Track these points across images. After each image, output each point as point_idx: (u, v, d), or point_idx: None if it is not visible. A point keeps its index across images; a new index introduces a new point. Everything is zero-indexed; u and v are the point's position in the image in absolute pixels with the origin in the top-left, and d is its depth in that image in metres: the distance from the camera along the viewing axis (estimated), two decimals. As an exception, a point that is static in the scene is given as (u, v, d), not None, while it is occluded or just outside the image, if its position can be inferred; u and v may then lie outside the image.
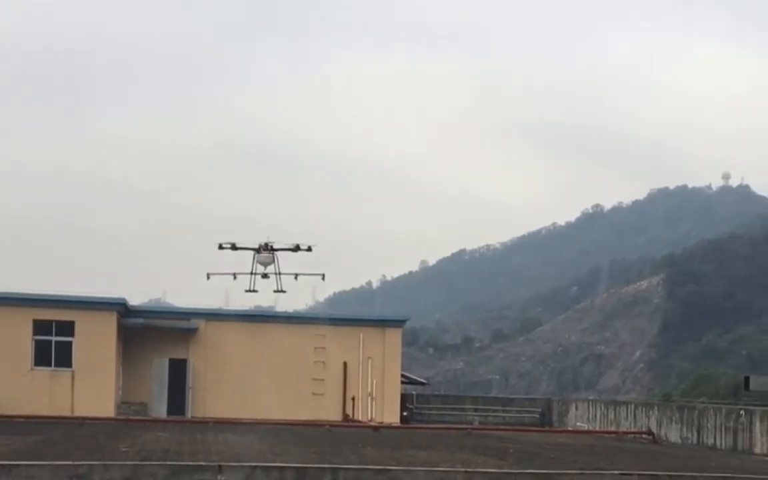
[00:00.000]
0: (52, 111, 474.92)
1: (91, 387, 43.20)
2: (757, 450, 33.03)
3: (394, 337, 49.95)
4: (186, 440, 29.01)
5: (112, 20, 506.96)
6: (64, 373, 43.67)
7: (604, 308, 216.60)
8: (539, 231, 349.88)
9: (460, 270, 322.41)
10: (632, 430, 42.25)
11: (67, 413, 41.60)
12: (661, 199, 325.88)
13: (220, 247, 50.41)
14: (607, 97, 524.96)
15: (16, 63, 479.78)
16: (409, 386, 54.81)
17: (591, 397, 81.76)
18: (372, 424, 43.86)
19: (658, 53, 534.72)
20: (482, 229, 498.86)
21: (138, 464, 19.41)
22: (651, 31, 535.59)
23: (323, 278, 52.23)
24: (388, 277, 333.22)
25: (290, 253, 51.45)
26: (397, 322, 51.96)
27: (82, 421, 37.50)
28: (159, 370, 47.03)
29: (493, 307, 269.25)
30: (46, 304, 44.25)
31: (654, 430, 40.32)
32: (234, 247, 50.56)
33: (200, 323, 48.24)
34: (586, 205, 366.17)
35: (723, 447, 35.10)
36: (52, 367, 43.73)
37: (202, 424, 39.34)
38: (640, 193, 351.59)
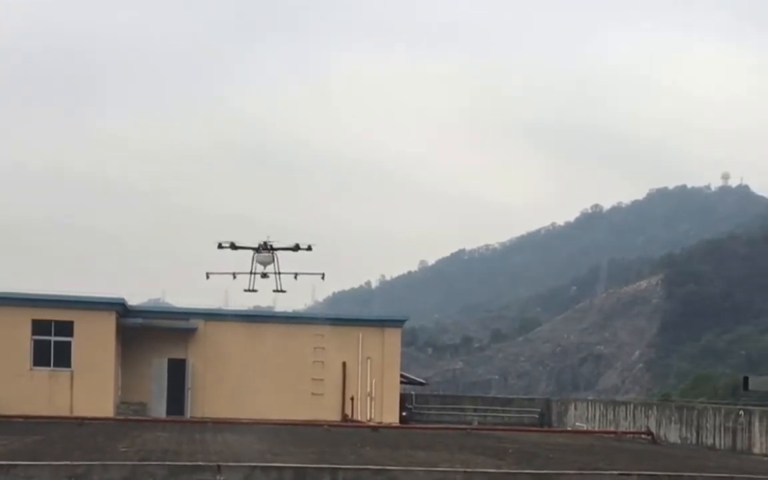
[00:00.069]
0: (52, 111, 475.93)
1: (90, 387, 43.19)
2: (756, 450, 33.03)
3: (393, 337, 49.94)
4: (185, 440, 29.00)
5: (112, 20, 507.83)
6: (63, 373, 43.66)
7: (603, 308, 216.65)
8: (538, 231, 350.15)
9: (459, 270, 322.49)
10: (631, 430, 42.25)
11: (66, 413, 41.58)
12: (660, 199, 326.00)
13: (220, 246, 50.35)
14: (607, 97, 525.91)
15: (16, 63, 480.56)
16: (408, 386, 54.79)
17: (590, 397, 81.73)
18: (371, 424, 43.86)
19: (658, 53, 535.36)
20: (481, 229, 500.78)
21: (137, 464, 19.40)
22: (651, 31, 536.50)
23: (323, 277, 52.18)
24: (387, 277, 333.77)
25: (290, 253, 51.38)
26: (396, 322, 51.95)
27: (81, 421, 37.47)
28: (158, 370, 47.01)
29: (492, 307, 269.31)
30: (45, 304, 44.23)
31: (653, 430, 40.33)
32: (233, 247, 50.49)
33: (199, 323, 48.23)
34: (586, 205, 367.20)
35: (722, 447, 35.10)
36: (51, 367, 43.71)
37: (201, 424, 39.33)
38: (640, 193, 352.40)
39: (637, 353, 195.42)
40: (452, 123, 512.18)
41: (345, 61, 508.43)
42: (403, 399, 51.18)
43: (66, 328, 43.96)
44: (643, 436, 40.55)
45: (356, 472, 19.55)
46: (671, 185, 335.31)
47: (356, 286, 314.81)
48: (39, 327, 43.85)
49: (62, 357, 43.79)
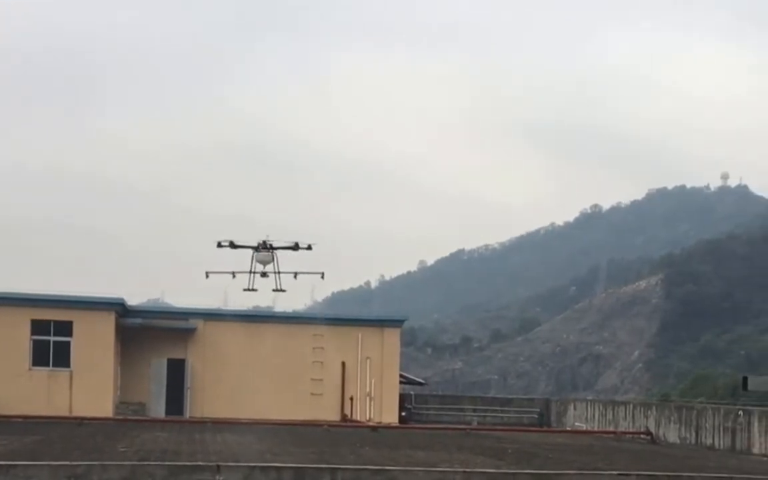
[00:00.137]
0: (52, 111, 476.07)
1: (90, 387, 43.17)
2: (756, 450, 33.04)
3: (392, 337, 49.93)
4: (184, 440, 28.99)
5: (112, 20, 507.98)
6: (62, 373, 43.64)
7: (602, 308, 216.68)
8: (538, 231, 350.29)
9: (458, 270, 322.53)
10: (630, 430, 42.25)
11: (65, 413, 41.57)
12: (659, 199, 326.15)
13: (219, 245, 50.26)
14: (607, 97, 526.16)
15: (16, 63, 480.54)
16: (407, 386, 54.79)
17: (589, 397, 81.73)
18: (370, 424, 43.85)
19: (658, 53, 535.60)
20: (481, 229, 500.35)
21: (136, 464, 19.39)
22: (651, 31, 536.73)
23: (322, 277, 52.08)
24: (387, 277, 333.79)
25: (290, 252, 51.31)
26: (395, 322, 51.94)
27: (81, 421, 37.46)
28: (157, 370, 46.99)
29: (491, 307, 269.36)
30: (45, 303, 44.20)
31: (652, 430, 40.33)
32: (232, 246, 50.41)
33: (198, 323, 48.21)
34: (585, 205, 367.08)
35: (721, 447, 35.11)
36: (50, 367, 43.69)
37: (201, 424, 39.32)
38: (639, 194, 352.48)
39: (636, 353, 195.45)
40: (452, 123, 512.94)
41: (345, 61, 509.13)
42: (403, 399, 51.17)
43: (65, 328, 43.94)
44: (642, 436, 40.56)
45: (355, 472, 19.55)
46: (670, 185, 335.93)
47: (355, 286, 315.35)
48: (38, 327, 43.82)
49: (61, 357, 43.77)
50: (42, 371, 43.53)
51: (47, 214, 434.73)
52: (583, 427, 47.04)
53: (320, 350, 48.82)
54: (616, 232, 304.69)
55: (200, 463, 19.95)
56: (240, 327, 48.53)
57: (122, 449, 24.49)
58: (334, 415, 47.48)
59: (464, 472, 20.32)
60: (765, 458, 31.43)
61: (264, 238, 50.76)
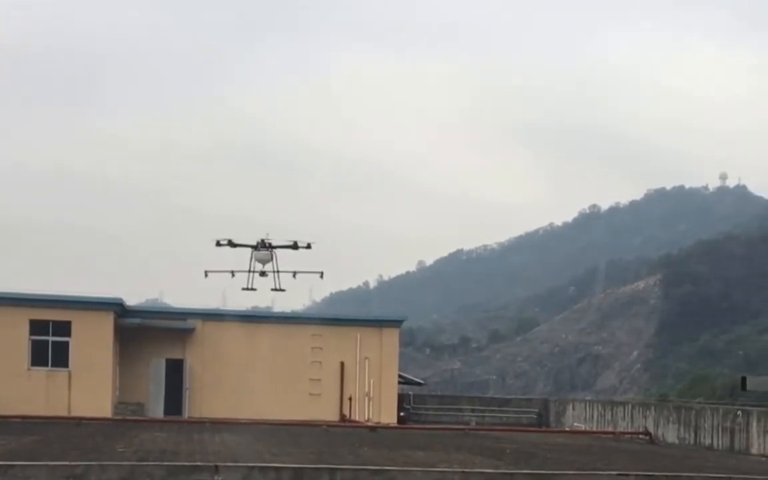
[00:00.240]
0: (52, 111, 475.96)
1: (88, 387, 43.16)
2: (754, 450, 33.04)
3: (391, 338, 49.93)
4: (183, 440, 28.99)
5: (112, 20, 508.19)
6: (61, 373, 43.62)
7: (601, 308, 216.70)
8: (536, 231, 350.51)
9: (457, 270, 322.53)
10: (629, 430, 42.25)
11: (63, 413, 41.55)
12: (657, 199, 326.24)
13: (218, 243, 50.23)
14: (607, 97, 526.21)
15: (16, 63, 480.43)
16: (405, 386, 54.79)
17: (588, 398, 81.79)
18: (369, 424, 43.84)
19: (658, 53, 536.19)
20: (479, 229, 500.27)
21: (135, 464, 19.39)
22: (651, 31, 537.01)
23: (321, 276, 52.15)
24: (385, 277, 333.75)
25: (289, 252, 51.30)
26: (394, 323, 51.92)
27: (79, 422, 37.43)
28: (156, 370, 46.98)
29: (490, 307, 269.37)
30: (43, 304, 44.18)
31: (651, 430, 40.34)
32: (231, 244, 50.38)
33: (197, 323, 48.20)
34: (583, 205, 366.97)
35: (720, 447, 35.11)
36: (49, 367, 43.66)
37: (199, 424, 39.31)
38: (637, 194, 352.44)
39: (635, 353, 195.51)
40: (452, 123, 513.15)
41: (345, 61, 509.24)
42: (401, 399, 51.18)
43: (64, 328, 43.93)
44: (640, 436, 40.56)
45: (354, 472, 19.55)
46: (669, 185, 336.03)
47: (354, 286, 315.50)
48: (37, 327, 43.80)
49: (60, 357, 43.75)
50: (41, 371, 43.51)
51: (47, 214, 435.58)
52: (582, 427, 47.05)
53: (319, 350, 48.82)
54: (615, 232, 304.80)
55: (199, 463, 19.94)
56: (239, 327, 48.51)
57: (121, 449, 24.49)
58: (332, 416, 47.47)
59: (463, 472, 20.32)
60: (763, 458, 31.44)
61: (263, 237, 50.76)
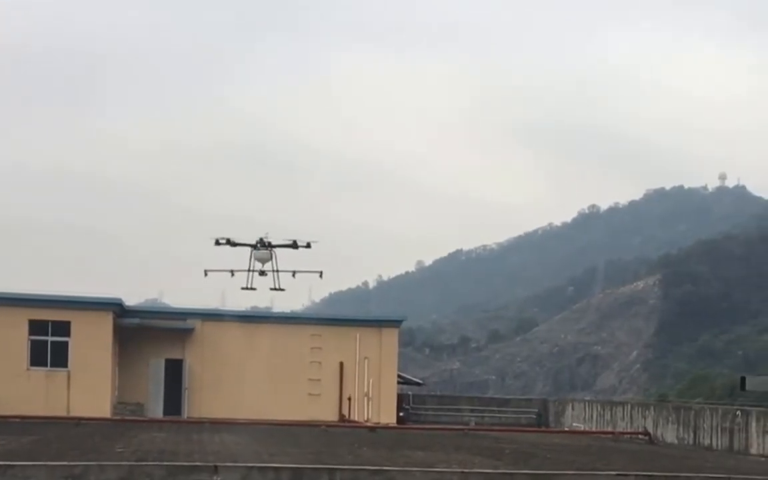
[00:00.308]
0: (52, 111, 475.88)
1: (87, 387, 43.15)
2: (753, 450, 33.04)
3: (390, 338, 49.93)
4: (182, 440, 28.99)
5: (111, 20, 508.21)
6: (60, 374, 43.61)
7: (600, 308, 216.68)
8: (536, 231, 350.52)
9: (456, 270, 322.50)
10: (628, 430, 42.25)
11: (62, 413, 41.54)
12: (657, 199, 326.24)
13: (217, 242, 50.17)
14: (607, 97, 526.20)
15: (16, 63, 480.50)
16: (405, 387, 54.78)
17: (587, 398, 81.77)
18: (368, 424, 43.84)
19: (658, 53, 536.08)
20: (479, 229, 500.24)
21: (134, 465, 19.39)
22: (651, 31, 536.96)
23: (321, 276, 52.09)
24: (385, 278, 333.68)
25: (288, 251, 51.25)
26: (393, 323, 51.90)
27: (78, 422, 37.44)
28: (155, 370, 46.96)
29: (489, 307, 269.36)
30: (42, 304, 44.19)
31: (650, 430, 40.34)
32: (230, 243, 50.32)
33: (196, 323, 48.19)
34: (583, 205, 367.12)
35: (719, 447, 35.11)
36: (48, 368, 43.66)
37: (199, 424, 39.31)
38: (637, 194, 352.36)
39: (634, 353, 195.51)
40: (452, 123, 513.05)
41: (345, 61, 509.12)
42: (401, 399, 51.17)
43: (63, 328, 43.92)
44: (640, 436, 40.56)
45: (354, 472, 19.55)
46: (668, 186, 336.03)
47: (353, 286, 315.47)
48: (36, 327, 43.80)
49: (59, 357, 43.74)
50: (40, 371, 43.50)
51: (47, 214, 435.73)
52: (581, 427, 47.05)
53: (318, 350, 48.81)
54: (614, 232, 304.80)
55: (198, 463, 19.94)
56: (238, 327, 48.51)
57: (120, 449, 24.48)
58: (332, 416, 47.47)
59: (462, 472, 20.32)
60: (763, 458, 31.45)
61: (262, 236, 50.70)
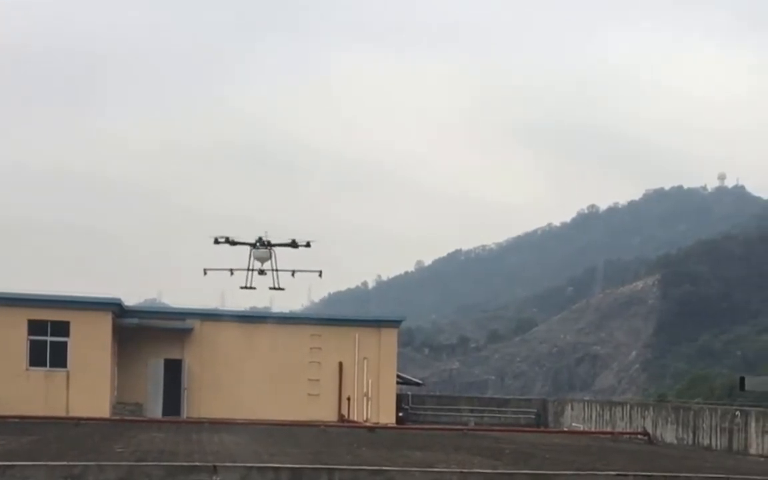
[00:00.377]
0: (52, 111, 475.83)
1: (87, 387, 43.14)
2: (753, 450, 33.05)
3: (389, 338, 49.93)
4: (181, 440, 28.99)
5: (111, 20, 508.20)
6: (59, 374, 43.61)
7: (599, 308, 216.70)
8: (535, 231, 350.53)
9: (455, 270, 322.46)
10: (628, 430, 42.25)
11: (62, 413, 41.54)
12: (656, 199, 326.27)
13: (216, 241, 50.11)
14: (607, 97, 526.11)
15: (16, 63, 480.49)
16: (404, 387, 54.78)
17: (586, 398, 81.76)
18: (367, 424, 43.84)
19: (658, 53, 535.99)
20: (478, 229, 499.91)
21: (133, 465, 19.38)
22: (651, 31, 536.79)
23: (320, 275, 52.01)
24: (384, 278, 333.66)
25: (288, 251, 51.19)
26: (392, 323, 51.91)
27: (77, 422, 37.45)
28: (154, 370, 46.96)
29: (488, 307, 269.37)
30: (42, 304, 44.19)
31: (649, 430, 40.35)
32: (229, 241, 50.25)
33: (195, 323, 48.19)
34: (582, 205, 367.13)
35: (718, 447, 35.12)
36: (47, 368, 43.66)
37: (198, 424, 39.30)
38: (636, 194, 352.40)
39: (633, 354, 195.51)
40: (452, 123, 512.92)
41: (345, 61, 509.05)
42: (400, 399, 51.18)
43: (62, 328, 43.92)
44: (639, 436, 40.56)
45: (353, 472, 19.54)
46: (668, 186, 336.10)
47: (353, 286, 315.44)
48: (35, 327, 43.80)
49: (58, 357, 43.74)
50: (39, 371, 43.50)
51: (47, 214, 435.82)
52: (581, 427, 47.06)
53: (317, 350, 48.82)
54: (613, 232, 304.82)
55: (197, 463, 19.94)
56: (237, 327, 48.51)
57: (119, 449, 24.48)
58: (331, 416, 47.48)
59: (461, 472, 20.32)
60: (762, 459, 31.45)
61: (261, 235, 50.64)
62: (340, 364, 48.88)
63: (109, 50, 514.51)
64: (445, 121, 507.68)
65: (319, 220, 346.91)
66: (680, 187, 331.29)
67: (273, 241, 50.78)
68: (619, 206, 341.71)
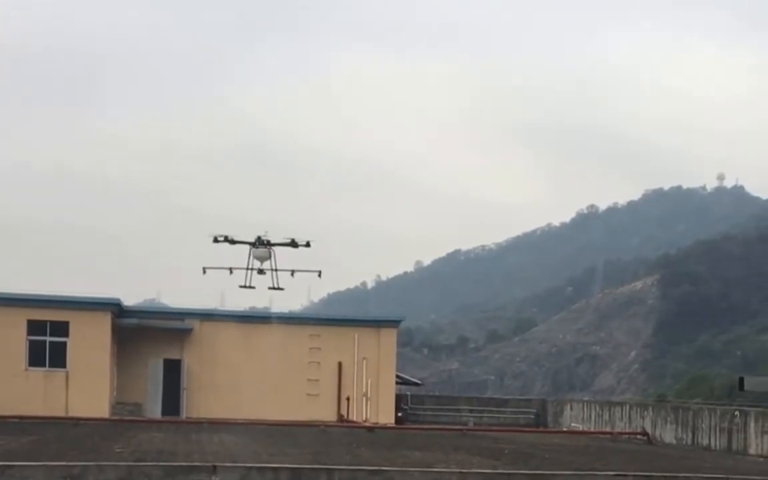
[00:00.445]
0: (52, 111, 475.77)
1: (86, 387, 43.14)
2: (752, 451, 33.06)
3: (388, 338, 49.93)
4: (180, 441, 28.99)
5: (111, 20, 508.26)
6: (59, 374, 43.61)
7: (599, 309, 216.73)
8: (534, 231, 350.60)
9: (455, 270, 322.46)
10: (627, 430, 42.26)
11: (61, 414, 41.54)
12: (656, 199, 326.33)
13: (215, 240, 50.06)
14: (607, 97, 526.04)
15: (16, 63, 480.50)
16: (403, 387, 54.78)
17: (586, 398, 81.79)
18: (367, 424, 43.84)
19: (658, 53, 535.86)
20: (478, 229, 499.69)
21: (132, 465, 19.38)
22: (651, 31, 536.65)
23: (320, 275, 51.93)
24: (383, 278, 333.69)
25: (287, 251, 51.14)
26: (392, 323, 51.90)
27: (77, 422, 37.46)
28: (154, 370, 46.95)
29: (488, 307, 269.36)
30: (41, 304, 44.18)
31: (649, 430, 40.36)
32: (228, 240, 50.20)
33: (195, 323, 48.19)
34: (581, 205, 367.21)
35: (717, 448, 35.13)
36: (47, 368, 43.66)
37: (197, 424, 39.29)
38: (635, 194, 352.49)
39: (632, 354, 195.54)
40: (452, 123, 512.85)
41: (345, 61, 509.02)
42: (399, 399, 51.18)
43: (61, 328, 43.92)
44: (638, 436, 40.57)
45: (352, 472, 19.55)
46: (667, 186, 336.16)
47: (352, 286, 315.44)
48: (34, 327, 43.80)
49: (58, 357, 43.74)
50: (38, 372, 43.50)
51: (47, 214, 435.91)
52: (580, 427, 47.07)
53: (317, 351, 48.82)
54: (613, 232, 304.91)
55: (197, 463, 19.94)
56: (236, 327, 48.52)
57: (118, 450, 24.48)
58: (330, 416, 47.48)
59: (460, 472, 20.33)
60: (761, 459, 31.47)
61: (260, 234, 50.58)
62: (340, 364, 48.88)
63: (109, 50, 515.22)
64: (445, 121, 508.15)
65: (318, 220, 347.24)
66: (679, 188, 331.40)
67: (272, 241, 50.73)
68: (619, 206, 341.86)
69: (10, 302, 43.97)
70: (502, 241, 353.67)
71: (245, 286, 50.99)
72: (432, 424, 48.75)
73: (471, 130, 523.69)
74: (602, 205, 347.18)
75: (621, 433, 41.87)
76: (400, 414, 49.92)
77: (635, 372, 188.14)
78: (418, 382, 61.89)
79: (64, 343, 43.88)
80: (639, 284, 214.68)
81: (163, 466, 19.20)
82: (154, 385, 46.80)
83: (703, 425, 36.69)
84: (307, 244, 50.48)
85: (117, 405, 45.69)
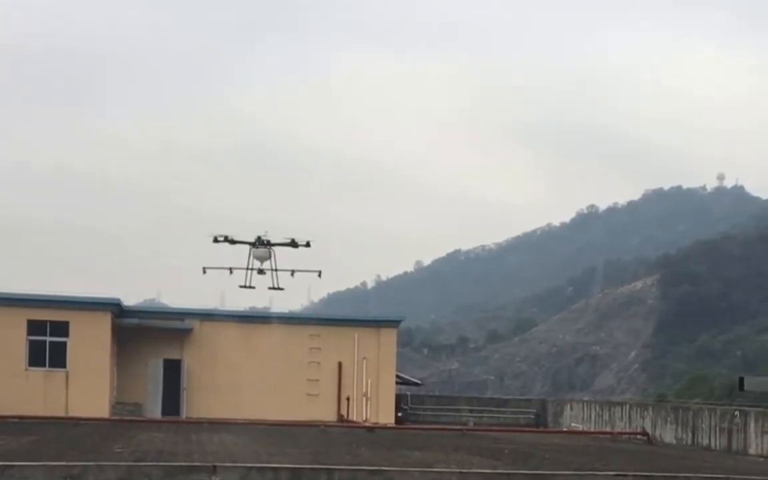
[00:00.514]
0: (52, 111, 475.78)
1: (86, 387, 43.14)
2: (752, 451, 33.07)
3: (388, 338, 49.93)
4: (180, 441, 28.99)
5: (111, 20, 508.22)
6: (59, 374, 43.60)
7: (599, 309, 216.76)
8: (534, 231, 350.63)
9: (455, 270, 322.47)
10: (627, 430, 42.26)
11: (61, 414, 41.54)
12: (655, 199, 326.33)
13: (215, 240, 50.05)
14: (607, 97, 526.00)
15: (16, 63, 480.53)
16: (403, 387, 54.78)
17: (586, 398, 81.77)
18: (367, 424, 43.84)
19: (658, 53, 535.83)
20: (478, 229, 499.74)
21: (132, 465, 19.38)
22: (651, 31, 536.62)
23: (319, 275, 51.91)
24: (383, 278, 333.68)
25: (288, 251, 51.13)
26: (391, 323, 51.90)
27: (77, 422, 37.46)
28: (154, 370, 46.95)
29: (488, 307, 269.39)
30: (41, 304, 44.17)
31: (649, 430, 40.36)
32: (228, 240, 50.18)
33: (195, 323, 48.19)
34: (581, 205, 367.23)
35: (717, 448, 35.14)
36: (47, 368, 43.66)
37: (197, 424, 39.30)
38: (635, 194, 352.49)
39: (632, 354, 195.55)
40: (452, 123, 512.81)
41: (345, 61, 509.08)
42: (399, 399, 51.18)
43: (61, 328, 43.92)
44: (638, 436, 40.57)
45: (352, 472, 19.55)
46: (667, 186, 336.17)
47: (352, 286, 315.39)
48: (34, 327, 43.79)
49: (58, 357, 43.73)
50: (38, 371, 43.49)
51: (47, 214, 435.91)
52: (580, 427, 47.07)
53: (317, 351, 48.82)
54: (613, 232, 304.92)
55: (197, 463, 19.94)
56: (236, 327, 48.51)
57: (118, 450, 24.48)
58: (330, 416, 47.48)
59: (460, 472, 20.33)
60: (761, 459, 31.47)
61: (260, 234, 50.57)
62: (340, 364, 48.88)
63: (109, 50, 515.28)
64: (445, 121, 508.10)
65: (318, 220, 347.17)
66: (679, 188, 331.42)
67: (272, 241, 50.72)
68: (619, 206, 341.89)
69: (10, 302, 43.97)
70: (502, 241, 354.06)
71: (245, 286, 51.01)
72: (432, 424, 48.74)
73: (471, 130, 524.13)
74: (602, 205, 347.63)
75: (621, 433, 41.87)
76: (400, 414, 49.92)
77: (635, 372, 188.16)
78: (418, 382, 61.89)
79: (64, 343, 43.88)
80: (639, 284, 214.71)
81: (163, 466, 19.20)
82: (154, 385, 46.80)
83: (703, 425, 36.69)
84: (307, 244, 50.47)
85: (117, 405, 45.69)
